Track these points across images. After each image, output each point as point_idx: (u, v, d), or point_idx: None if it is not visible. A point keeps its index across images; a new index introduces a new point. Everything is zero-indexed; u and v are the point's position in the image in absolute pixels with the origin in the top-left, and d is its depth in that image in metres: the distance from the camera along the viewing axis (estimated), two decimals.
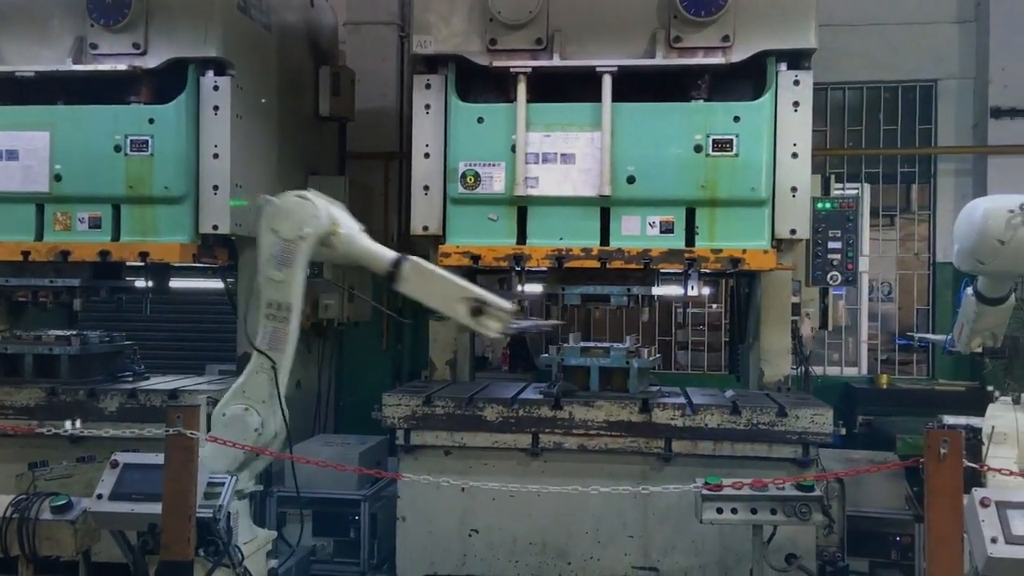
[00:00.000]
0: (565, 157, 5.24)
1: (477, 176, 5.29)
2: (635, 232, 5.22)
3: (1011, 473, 3.58)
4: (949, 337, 4.64)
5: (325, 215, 4.23)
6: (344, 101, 7.33)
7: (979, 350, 4.50)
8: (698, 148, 5.10)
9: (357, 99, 7.74)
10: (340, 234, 4.27)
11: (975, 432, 3.93)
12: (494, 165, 5.29)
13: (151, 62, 5.69)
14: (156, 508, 3.73)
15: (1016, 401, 3.94)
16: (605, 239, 5.24)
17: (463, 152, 5.31)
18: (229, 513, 3.95)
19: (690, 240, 5.18)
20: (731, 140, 5.10)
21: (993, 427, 3.80)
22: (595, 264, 5.21)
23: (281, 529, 5.70)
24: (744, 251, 5.10)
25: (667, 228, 5.19)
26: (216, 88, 5.73)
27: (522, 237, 5.31)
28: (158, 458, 3.79)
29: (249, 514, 4.51)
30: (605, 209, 5.24)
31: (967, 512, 3.43)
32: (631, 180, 5.15)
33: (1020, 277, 3.95)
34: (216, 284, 6.57)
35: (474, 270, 5.80)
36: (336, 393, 7.88)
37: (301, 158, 7.05)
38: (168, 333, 8.29)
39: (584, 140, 5.21)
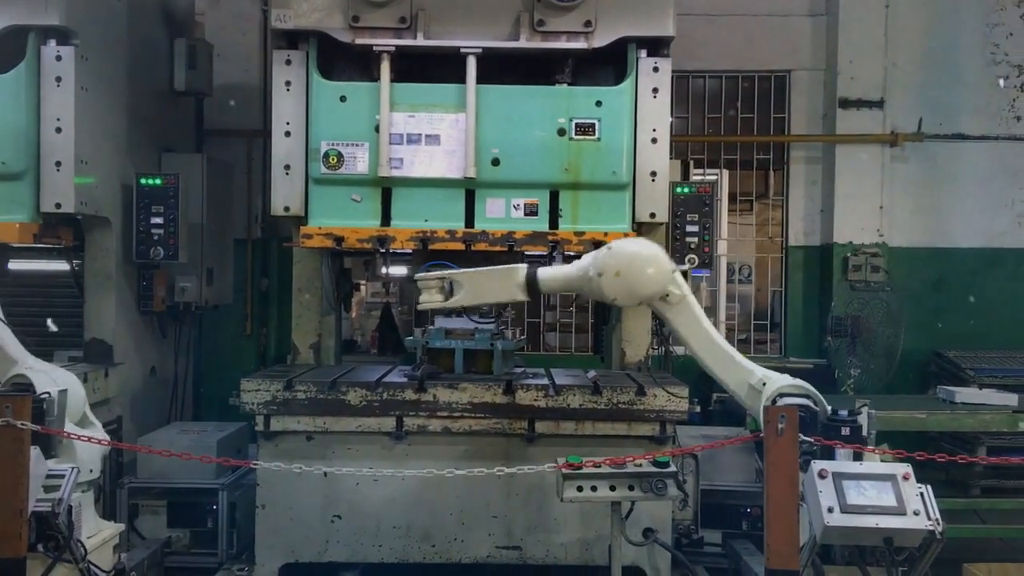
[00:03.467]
0: (430, 138, 5.21)
1: (340, 156, 5.20)
2: (500, 215, 5.24)
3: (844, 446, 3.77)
4: None
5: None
6: (201, 75, 7.05)
7: (428, 291, 4.32)
8: (561, 132, 5.17)
9: (218, 74, 7.48)
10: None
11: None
12: (358, 145, 5.20)
13: None
14: None
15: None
16: (470, 221, 5.25)
17: (325, 131, 5.21)
18: (70, 506, 3.74)
19: (554, 223, 5.25)
20: (593, 124, 5.18)
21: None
22: (460, 246, 5.20)
23: (134, 521, 5.48)
24: (606, 234, 5.19)
25: (531, 211, 5.24)
26: (59, 58, 5.44)
27: (386, 219, 5.25)
28: None
29: (94, 506, 4.29)
30: (470, 191, 5.24)
31: (806, 483, 3.61)
32: (495, 162, 5.17)
33: None
34: (62, 266, 6.22)
35: (338, 252, 5.71)
36: (196, 379, 7.62)
37: (154, 134, 6.74)
38: (11, 319, 7.78)
39: (449, 121, 5.18)
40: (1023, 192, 8.22)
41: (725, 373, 4.14)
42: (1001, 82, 8.14)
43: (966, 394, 6.22)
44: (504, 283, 4.24)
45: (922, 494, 3.64)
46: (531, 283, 4.18)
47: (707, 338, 4.11)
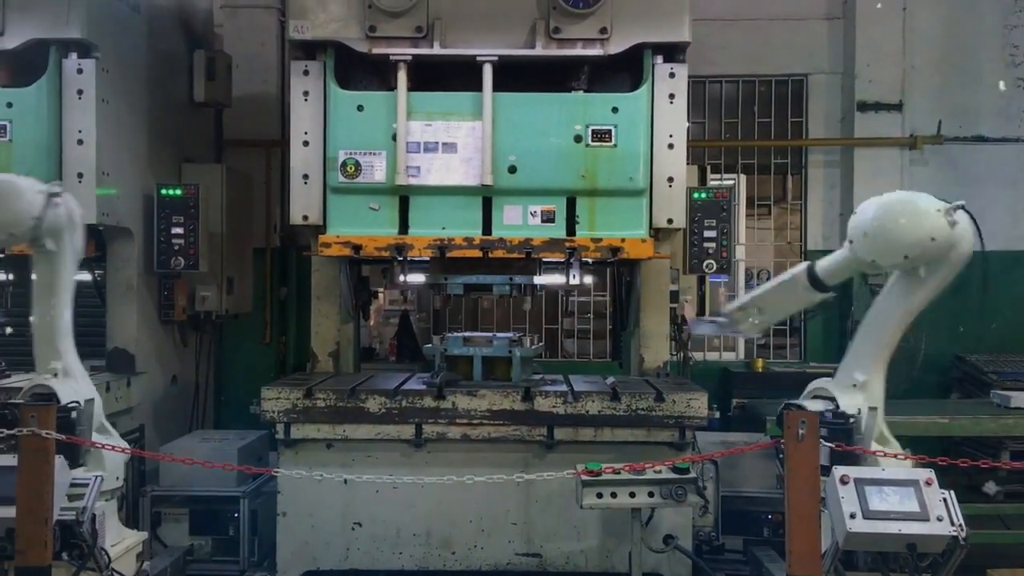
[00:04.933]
0: (447, 146, 5.22)
1: (358, 165, 5.22)
2: (517, 221, 5.24)
3: (864, 451, 3.76)
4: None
5: None
6: (220, 86, 7.11)
7: (742, 323, 4.47)
8: (578, 138, 5.17)
9: (236, 85, 7.54)
10: None
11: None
12: (375, 154, 5.22)
13: (10, 43, 5.44)
14: (12, 512, 3.53)
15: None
16: (487, 228, 5.25)
17: (343, 140, 5.23)
18: (94, 515, 3.78)
19: (571, 229, 5.24)
20: (610, 131, 5.18)
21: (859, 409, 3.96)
22: (477, 253, 5.21)
23: (156, 529, 5.52)
24: (623, 240, 5.19)
25: (548, 217, 5.24)
26: (80, 71, 5.49)
27: (404, 227, 5.26)
28: (13, 460, 3.60)
29: (118, 514, 4.33)
30: (487, 198, 5.24)
31: (828, 489, 3.59)
32: (512, 170, 5.17)
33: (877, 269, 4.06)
34: (83, 276, 6.27)
35: (356, 260, 5.74)
36: (217, 388, 7.67)
37: (174, 145, 6.81)
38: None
39: (465, 129, 5.19)
40: None
41: None
42: (1001, 84, 8.07)
43: (1021, 398, 6.10)
44: (795, 291, 4.25)
45: (945, 499, 3.62)
46: (815, 280, 4.16)
47: None
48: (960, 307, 8.01)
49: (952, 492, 3.68)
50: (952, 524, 3.57)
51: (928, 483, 3.65)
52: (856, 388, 3.99)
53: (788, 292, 4.30)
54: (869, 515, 3.55)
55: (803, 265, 4.27)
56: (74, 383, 4.18)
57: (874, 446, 3.82)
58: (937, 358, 7.76)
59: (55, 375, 4.14)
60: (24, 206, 4.02)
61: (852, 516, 3.55)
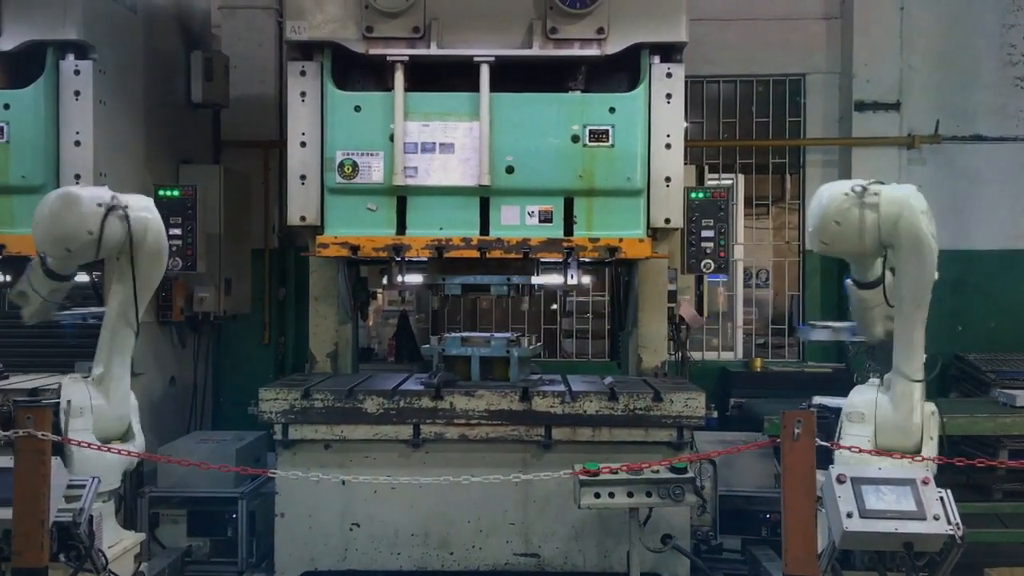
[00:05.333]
0: (444, 147, 5.23)
1: (355, 166, 5.23)
2: (514, 222, 5.25)
3: (860, 450, 3.76)
4: (852, 325, 4.73)
5: None
6: (218, 87, 7.11)
7: (885, 337, 4.48)
8: (575, 138, 5.18)
9: (234, 86, 7.54)
10: None
11: (837, 412, 4.10)
12: (372, 155, 5.23)
13: (6, 44, 5.45)
14: (9, 514, 3.53)
15: (881, 382, 4.12)
16: (485, 229, 5.26)
17: (340, 141, 5.24)
18: (91, 516, 3.78)
19: (568, 229, 5.25)
20: (607, 131, 5.19)
21: (851, 408, 3.98)
22: (475, 254, 5.22)
23: (154, 530, 5.51)
24: (621, 240, 5.20)
25: (546, 217, 5.25)
26: (77, 72, 5.50)
27: (401, 227, 5.28)
28: (10, 461, 3.60)
29: (115, 516, 4.32)
30: (484, 199, 5.26)
31: (824, 488, 3.59)
32: (510, 170, 5.18)
33: (866, 257, 4.10)
34: (82, 277, 6.26)
35: (354, 261, 5.74)
36: (215, 389, 7.67)
37: (171, 146, 6.81)
38: (31, 328, 7.85)
39: (463, 130, 5.20)
40: None
41: None
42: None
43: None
44: (859, 298, 4.35)
45: (942, 498, 3.63)
46: (856, 283, 4.34)
47: None
48: (958, 306, 8.02)
49: (949, 491, 3.68)
50: (949, 523, 3.57)
51: (925, 482, 3.66)
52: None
53: (854, 299, 4.44)
54: (866, 514, 3.56)
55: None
56: (100, 390, 4.19)
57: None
58: (935, 357, 7.75)
59: (87, 377, 4.19)
60: (79, 220, 3.95)
61: (849, 515, 3.55)
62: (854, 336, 4.73)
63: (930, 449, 3.92)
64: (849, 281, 4.43)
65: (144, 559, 4.64)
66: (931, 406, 4.00)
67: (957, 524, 3.57)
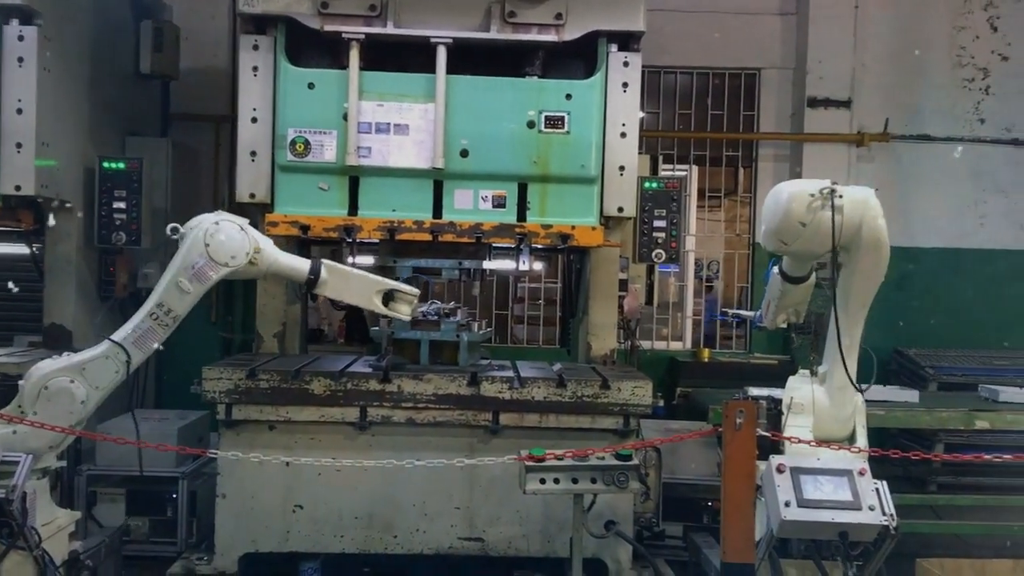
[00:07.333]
0: (399, 128, 5.17)
1: (307, 143, 5.15)
2: (468, 206, 5.23)
3: (800, 441, 3.82)
4: (758, 313, 4.89)
5: (251, 241, 4.18)
6: (167, 58, 6.96)
7: (784, 326, 4.74)
8: (531, 124, 5.16)
9: (186, 58, 7.38)
10: (263, 253, 4.26)
11: (777, 403, 4.17)
12: (325, 133, 5.16)
13: None
14: None
15: (813, 374, 4.20)
16: (438, 212, 5.22)
17: (293, 118, 5.15)
18: (24, 493, 3.69)
19: (522, 215, 5.24)
20: (563, 117, 5.18)
21: (792, 398, 4.04)
22: (427, 237, 5.18)
23: (92, 509, 5.41)
24: (573, 227, 5.21)
25: (499, 203, 5.23)
26: (21, 38, 5.35)
27: (353, 208, 5.22)
28: None
29: (51, 493, 4.22)
30: (438, 182, 5.22)
31: (764, 477, 3.64)
32: (464, 153, 5.15)
33: (820, 258, 4.18)
34: (22, 249, 6.11)
35: (304, 240, 5.66)
36: (159, 367, 7.53)
37: (118, 117, 6.65)
38: None
39: (418, 111, 5.15)
40: (986, 194, 8.36)
41: None
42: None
43: (1009, 393, 6.24)
44: (778, 287, 4.52)
45: (878, 490, 3.70)
46: (783, 275, 4.47)
47: None
48: (901, 302, 8.20)
49: (885, 483, 3.76)
50: (883, 514, 3.65)
51: (862, 473, 3.73)
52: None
53: (774, 290, 4.52)
54: (803, 503, 3.62)
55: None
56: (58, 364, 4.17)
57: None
58: (876, 351, 7.88)
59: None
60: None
61: (787, 504, 3.61)
62: (759, 323, 4.86)
63: (863, 440, 4.01)
64: (776, 271, 4.47)
65: (80, 538, 4.55)
66: (860, 397, 4.08)
67: (891, 515, 3.65)
